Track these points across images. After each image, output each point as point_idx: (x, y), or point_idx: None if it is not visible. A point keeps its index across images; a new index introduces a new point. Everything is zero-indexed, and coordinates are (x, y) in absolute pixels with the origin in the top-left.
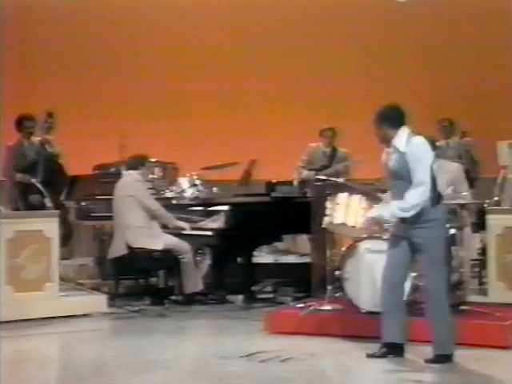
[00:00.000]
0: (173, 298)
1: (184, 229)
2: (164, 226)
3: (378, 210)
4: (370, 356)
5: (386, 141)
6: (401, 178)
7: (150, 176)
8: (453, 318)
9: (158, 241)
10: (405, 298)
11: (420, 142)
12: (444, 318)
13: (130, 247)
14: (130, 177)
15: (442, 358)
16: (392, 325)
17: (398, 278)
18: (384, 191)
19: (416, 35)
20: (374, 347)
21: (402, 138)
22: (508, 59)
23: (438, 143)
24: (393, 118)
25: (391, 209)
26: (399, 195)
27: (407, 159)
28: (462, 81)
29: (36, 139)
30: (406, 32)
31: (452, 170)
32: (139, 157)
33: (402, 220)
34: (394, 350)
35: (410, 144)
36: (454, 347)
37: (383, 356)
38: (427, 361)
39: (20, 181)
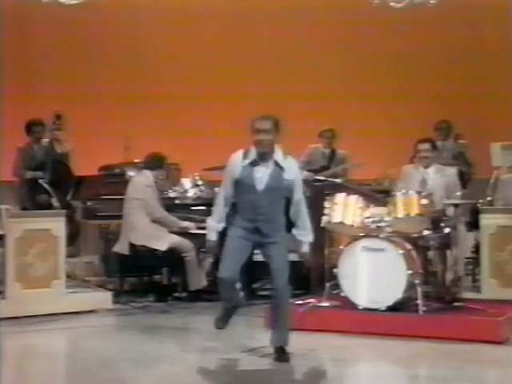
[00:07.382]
0: (176, 294)
1: (190, 229)
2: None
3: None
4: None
5: (270, 150)
6: (274, 193)
7: None
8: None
9: (163, 242)
10: (401, 295)
11: (293, 159)
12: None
13: (133, 246)
14: (142, 177)
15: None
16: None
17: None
18: (381, 192)
19: (413, 39)
20: (371, 343)
21: (279, 153)
22: (502, 62)
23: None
24: (279, 130)
25: (310, 236)
26: (270, 210)
27: (284, 175)
28: (456, 84)
29: (45, 140)
30: (403, 36)
31: (448, 174)
32: (158, 158)
33: (256, 230)
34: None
35: (287, 160)
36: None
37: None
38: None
39: (30, 179)
